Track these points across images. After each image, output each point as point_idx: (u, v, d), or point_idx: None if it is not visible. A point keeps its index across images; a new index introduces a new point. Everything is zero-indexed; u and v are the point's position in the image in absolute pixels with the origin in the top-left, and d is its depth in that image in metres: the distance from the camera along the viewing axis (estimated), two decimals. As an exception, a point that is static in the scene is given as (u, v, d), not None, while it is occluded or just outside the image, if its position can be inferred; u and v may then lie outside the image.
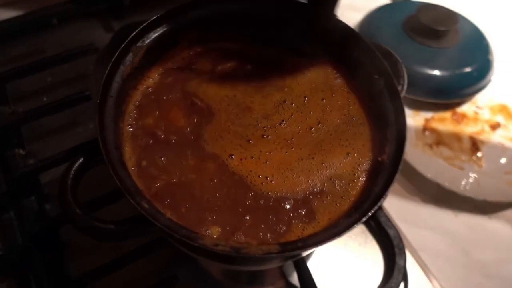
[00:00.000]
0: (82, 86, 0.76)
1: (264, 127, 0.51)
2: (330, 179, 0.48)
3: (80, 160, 0.45)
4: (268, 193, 0.46)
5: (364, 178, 0.48)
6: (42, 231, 0.63)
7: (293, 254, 0.44)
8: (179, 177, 0.46)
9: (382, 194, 0.42)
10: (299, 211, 0.46)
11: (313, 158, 0.48)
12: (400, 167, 0.43)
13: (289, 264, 0.65)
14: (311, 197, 0.47)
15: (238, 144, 0.49)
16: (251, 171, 0.47)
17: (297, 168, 0.48)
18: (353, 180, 0.48)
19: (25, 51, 0.83)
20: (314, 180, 0.47)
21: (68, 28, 0.86)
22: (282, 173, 0.47)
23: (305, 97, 0.54)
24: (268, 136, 0.50)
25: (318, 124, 0.52)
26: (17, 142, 0.71)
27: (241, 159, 0.48)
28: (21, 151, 0.71)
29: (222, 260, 0.48)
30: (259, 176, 0.47)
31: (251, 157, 0.48)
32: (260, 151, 0.48)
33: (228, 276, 0.66)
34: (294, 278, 0.65)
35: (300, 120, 0.52)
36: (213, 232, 0.44)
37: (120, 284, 0.61)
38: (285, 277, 0.65)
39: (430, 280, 0.67)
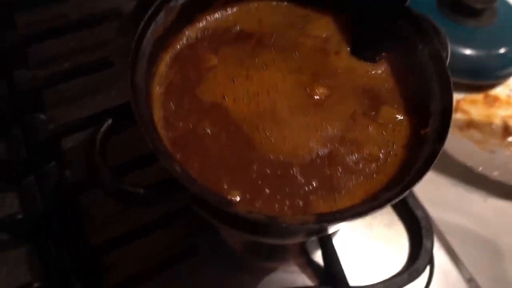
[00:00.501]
0: (104, 53, 0.74)
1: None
2: (363, 153, 0.45)
3: (109, 122, 0.43)
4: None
5: (403, 152, 0.45)
6: (62, 197, 0.62)
7: (328, 225, 0.42)
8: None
9: (425, 168, 0.40)
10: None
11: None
12: (446, 142, 0.41)
13: (312, 241, 0.63)
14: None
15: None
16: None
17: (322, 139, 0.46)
18: (390, 154, 0.45)
19: (48, 15, 0.81)
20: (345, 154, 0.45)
21: (92, -8, 0.84)
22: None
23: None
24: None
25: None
26: (39, 107, 0.70)
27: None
28: (42, 116, 0.70)
29: (249, 230, 0.47)
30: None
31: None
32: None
33: (248, 249, 0.65)
34: (317, 255, 0.63)
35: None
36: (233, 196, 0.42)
37: (140, 253, 0.60)
38: (307, 254, 0.64)
39: (457, 264, 0.66)
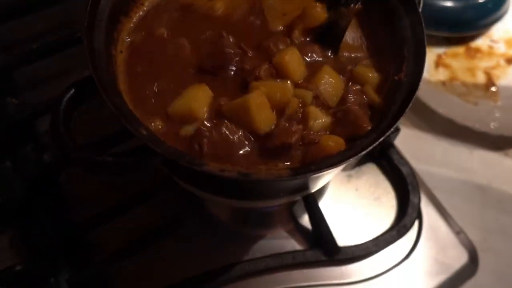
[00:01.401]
0: (73, 30, 0.72)
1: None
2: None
3: (71, 91, 0.41)
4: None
5: (380, 97, 0.44)
6: (40, 178, 0.60)
7: (305, 180, 0.41)
8: None
9: (399, 113, 0.38)
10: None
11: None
12: (419, 85, 0.40)
13: (299, 206, 0.62)
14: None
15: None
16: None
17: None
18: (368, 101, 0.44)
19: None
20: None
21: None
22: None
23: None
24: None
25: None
26: (9, 90, 0.68)
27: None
28: (14, 100, 0.68)
29: (227, 193, 0.45)
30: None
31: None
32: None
33: (236, 219, 0.64)
34: (305, 220, 0.62)
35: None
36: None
37: (125, 229, 0.59)
38: (295, 219, 0.63)
39: (446, 218, 0.65)
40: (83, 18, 0.42)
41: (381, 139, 0.36)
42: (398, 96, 0.40)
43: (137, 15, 0.49)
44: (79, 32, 0.68)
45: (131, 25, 0.47)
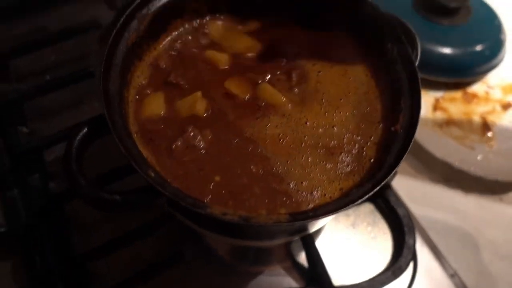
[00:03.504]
0: (85, 64, 0.75)
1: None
2: (341, 151, 0.46)
3: (85, 130, 0.44)
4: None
5: (377, 150, 0.46)
6: (46, 207, 0.62)
7: (303, 224, 0.42)
8: None
9: (395, 164, 0.40)
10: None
11: (321, 129, 0.47)
12: (414, 136, 0.42)
13: (297, 243, 0.64)
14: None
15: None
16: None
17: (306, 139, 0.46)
18: (365, 152, 0.46)
19: (28, 28, 0.82)
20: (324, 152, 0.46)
21: (71, 5, 0.84)
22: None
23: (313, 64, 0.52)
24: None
25: (323, 94, 0.50)
26: (20, 119, 0.70)
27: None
28: (24, 129, 0.70)
29: (228, 233, 0.47)
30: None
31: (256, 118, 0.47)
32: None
33: (234, 254, 0.65)
34: (302, 257, 0.64)
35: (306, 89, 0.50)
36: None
37: (126, 261, 0.60)
38: (292, 256, 0.64)
39: (440, 260, 0.66)
40: (98, 65, 0.44)
41: (376, 189, 0.38)
42: (394, 147, 0.42)
43: (151, 58, 0.51)
44: (91, 67, 0.71)
45: (144, 68, 0.50)
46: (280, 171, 0.45)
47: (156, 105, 0.48)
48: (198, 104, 0.47)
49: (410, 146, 0.41)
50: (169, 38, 0.53)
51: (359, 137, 0.47)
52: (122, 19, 0.46)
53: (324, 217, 0.38)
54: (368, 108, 0.49)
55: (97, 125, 0.45)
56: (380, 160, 0.43)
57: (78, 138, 0.43)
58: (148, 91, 0.49)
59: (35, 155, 0.66)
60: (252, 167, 0.44)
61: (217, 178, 0.44)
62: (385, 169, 0.41)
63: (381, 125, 0.47)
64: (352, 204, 0.39)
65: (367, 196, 0.38)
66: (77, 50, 0.80)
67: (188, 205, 0.37)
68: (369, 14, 0.50)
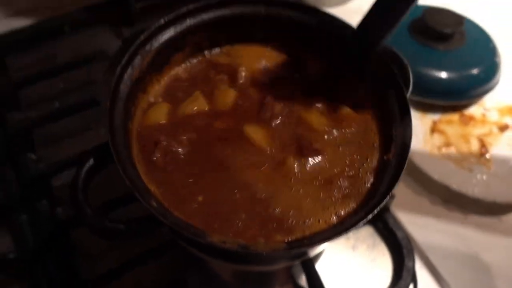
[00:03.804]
0: (93, 92, 0.78)
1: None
2: (336, 180, 0.48)
3: (91, 161, 0.46)
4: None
5: (371, 178, 0.48)
6: (53, 233, 0.64)
7: (300, 251, 0.44)
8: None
9: (387, 192, 0.42)
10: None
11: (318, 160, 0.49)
12: (406, 165, 0.44)
13: (298, 266, 0.65)
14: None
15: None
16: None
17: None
18: (359, 180, 0.48)
19: (38, 58, 0.85)
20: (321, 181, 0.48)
21: (79, 35, 0.88)
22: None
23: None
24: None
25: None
26: (29, 147, 0.73)
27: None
28: (33, 156, 0.73)
29: (230, 259, 0.49)
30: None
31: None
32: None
33: (237, 278, 0.67)
34: (302, 280, 0.65)
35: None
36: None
37: (130, 286, 0.62)
38: (293, 279, 0.65)
39: (439, 282, 0.67)
40: (105, 96, 0.46)
41: (369, 216, 0.40)
42: (386, 175, 0.44)
43: (154, 90, 0.54)
44: (98, 95, 0.74)
45: (148, 101, 0.52)
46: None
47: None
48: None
49: (401, 175, 0.43)
50: (172, 71, 0.55)
51: (354, 166, 0.48)
52: (126, 56, 0.48)
53: (319, 245, 0.39)
54: (362, 138, 0.51)
55: (102, 155, 0.47)
56: (374, 186, 0.45)
57: (84, 170, 0.45)
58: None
59: (43, 182, 0.68)
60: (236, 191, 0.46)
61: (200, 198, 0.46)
62: (378, 197, 0.42)
63: (374, 153, 0.49)
64: (346, 232, 0.40)
65: (361, 224, 0.40)
66: (85, 78, 0.83)
67: (189, 234, 0.39)
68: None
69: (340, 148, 0.50)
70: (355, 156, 0.49)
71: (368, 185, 0.47)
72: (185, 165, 0.47)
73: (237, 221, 0.44)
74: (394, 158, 0.45)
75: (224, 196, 0.46)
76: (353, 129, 0.51)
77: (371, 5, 0.48)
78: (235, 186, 0.46)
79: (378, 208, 0.41)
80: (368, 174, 0.48)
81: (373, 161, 0.49)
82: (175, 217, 0.41)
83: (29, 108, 0.78)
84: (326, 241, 0.40)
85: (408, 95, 0.51)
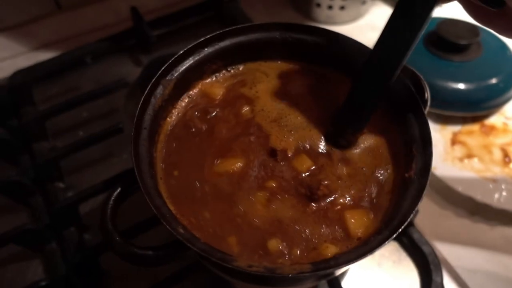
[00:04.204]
0: (115, 119, 0.80)
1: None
2: (359, 198, 0.48)
3: (118, 190, 0.47)
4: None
5: (393, 196, 0.48)
6: (83, 260, 0.65)
7: (326, 273, 0.44)
8: None
9: (411, 210, 0.42)
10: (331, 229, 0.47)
11: (339, 180, 0.50)
12: (428, 182, 0.44)
13: (324, 285, 0.65)
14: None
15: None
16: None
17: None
18: (382, 198, 0.48)
19: (63, 89, 0.89)
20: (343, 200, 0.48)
21: (100, 65, 0.91)
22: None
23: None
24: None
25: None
26: (57, 175, 0.75)
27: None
28: (61, 184, 0.75)
29: (256, 281, 0.49)
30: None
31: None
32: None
33: (262, 299, 0.67)
34: (329, 299, 0.65)
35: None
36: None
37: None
38: (320, 298, 0.65)
39: (469, 296, 0.66)
40: (129, 126, 0.48)
41: (394, 236, 0.40)
42: (408, 193, 0.44)
43: (174, 116, 0.55)
44: (120, 122, 0.76)
45: (169, 127, 0.54)
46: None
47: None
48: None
49: (423, 193, 0.43)
50: (192, 94, 0.57)
51: (372, 187, 0.49)
52: (149, 87, 0.50)
53: (345, 266, 0.40)
54: (380, 156, 0.51)
55: (128, 183, 0.49)
56: (397, 206, 0.45)
57: (112, 198, 0.46)
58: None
59: (71, 210, 0.70)
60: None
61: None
62: (400, 216, 0.42)
63: (394, 172, 0.49)
64: (371, 252, 0.41)
65: (385, 243, 0.40)
66: (107, 106, 0.86)
67: (216, 259, 0.40)
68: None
69: (359, 169, 0.51)
70: (375, 174, 0.50)
71: (389, 205, 0.48)
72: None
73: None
74: (416, 176, 0.46)
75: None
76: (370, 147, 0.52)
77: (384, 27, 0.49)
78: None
79: (402, 227, 0.41)
80: (387, 193, 0.48)
81: (392, 181, 0.49)
82: (202, 242, 0.42)
83: (56, 138, 0.81)
84: (352, 262, 0.40)
85: (427, 109, 0.51)
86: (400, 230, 0.40)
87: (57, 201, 0.70)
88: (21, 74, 0.86)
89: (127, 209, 0.63)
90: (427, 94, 0.53)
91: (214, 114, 0.55)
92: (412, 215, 0.42)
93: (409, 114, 0.50)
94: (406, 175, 0.46)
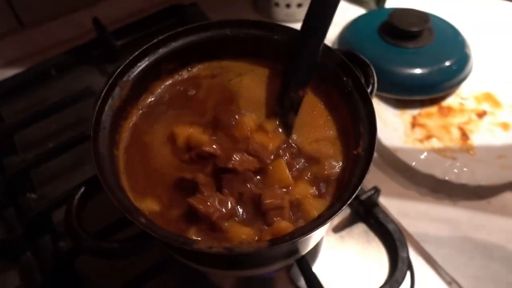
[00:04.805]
0: (84, 128, 0.81)
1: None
2: (313, 179, 0.51)
3: (82, 189, 0.49)
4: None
5: (344, 173, 0.51)
6: (58, 266, 0.66)
7: (285, 248, 0.46)
8: None
9: (359, 183, 0.45)
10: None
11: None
12: (373, 155, 0.46)
13: (296, 270, 0.67)
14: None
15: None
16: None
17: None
18: (334, 176, 0.51)
19: (30, 103, 0.90)
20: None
21: (66, 76, 0.93)
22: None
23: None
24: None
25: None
26: (29, 187, 0.76)
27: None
28: (33, 195, 0.76)
29: (223, 266, 0.51)
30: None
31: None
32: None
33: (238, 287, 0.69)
34: (302, 283, 0.67)
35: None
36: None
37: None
38: (294, 283, 0.68)
39: (436, 269, 0.69)
40: (89, 127, 0.50)
41: (343, 208, 0.43)
42: (357, 168, 0.47)
43: (135, 117, 0.57)
44: (88, 130, 0.77)
45: (130, 126, 0.56)
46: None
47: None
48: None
49: (370, 165, 0.45)
50: (150, 97, 0.59)
51: (326, 164, 0.52)
52: (105, 88, 0.52)
53: (299, 239, 0.42)
54: (330, 136, 0.54)
55: (93, 183, 0.50)
56: (347, 181, 0.48)
57: (77, 197, 0.48)
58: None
59: (44, 218, 0.71)
60: None
61: None
62: (351, 189, 0.45)
63: (344, 150, 0.52)
64: (324, 223, 0.43)
65: (335, 216, 0.43)
66: (75, 116, 0.87)
67: (178, 244, 0.42)
68: (322, 54, 0.55)
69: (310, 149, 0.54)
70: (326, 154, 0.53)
71: (340, 181, 0.50)
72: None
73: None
74: (363, 152, 0.48)
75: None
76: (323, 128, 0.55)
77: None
78: None
79: (352, 198, 0.43)
80: (339, 169, 0.51)
81: (343, 158, 0.52)
82: (164, 230, 0.43)
83: (25, 150, 0.82)
84: (306, 235, 0.42)
85: (375, 91, 0.54)
86: (349, 201, 0.43)
87: (29, 211, 0.71)
88: (-14, 92, 0.87)
89: (98, 212, 0.65)
90: (374, 79, 0.56)
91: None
92: (360, 187, 0.44)
93: (355, 96, 0.52)
94: (355, 152, 0.49)
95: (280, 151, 0.53)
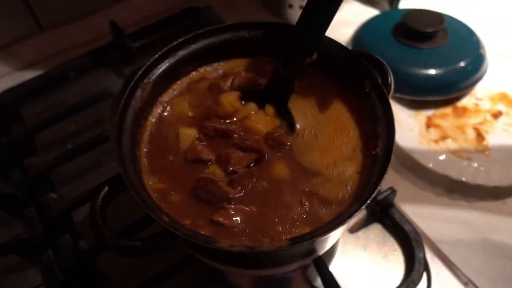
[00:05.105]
0: (102, 130, 0.83)
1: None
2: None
3: (106, 189, 0.50)
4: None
5: (362, 173, 0.51)
6: (78, 265, 0.68)
7: (305, 247, 0.47)
8: None
9: (378, 182, 0.45)
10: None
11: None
12: (392, 155, 0.47)
13: (313, 270, 0.68)
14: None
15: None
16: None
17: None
18: (353, 176, 0.51)
19: (49, 105, 0.92)
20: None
21: (84, 79, 0.94)
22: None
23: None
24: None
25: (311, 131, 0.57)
26: (49, 187, 0.78)
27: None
28: (53, 195, 0.77)
29: (243, 265, 0.52)
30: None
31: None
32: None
33: (256, 287, 0.70)
34: (318, 283, 0.67)
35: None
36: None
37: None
38: (310, 282, 0.68)
39: (453, 270, 0.69)
40: (111, 130, 0.51)
41: (362, 207, 0.43)
42: (376, 168, 0.48)
43: (155, 117, 0.58)
44: (106, 132, 0.79)
45: (151, 127, 0.57)
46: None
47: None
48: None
49: (389, 165, 0.46)
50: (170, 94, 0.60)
51: (344, 165, 0.52)
52: (127, 90, 0.53)
53: (320, 237, 0.43)
54: (349, 137, 0.54)
55: (116, 182, 0.51)
56: (366, 182, 0.48)
57: (100, 196, 0.49)
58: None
59: (65, 218, 0.72)
60: None
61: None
62: (370, 189, 0.45)
63: (362, 151, 0.53)
64: (343, 223, 0.43)
65: (355, 215, 0.43)
66: (93, 117, 0.88)
67: (200, 242, 0.43)
68: (338, 54, 0.56)
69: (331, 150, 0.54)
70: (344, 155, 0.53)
71: (360, 181, 0.51)
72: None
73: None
74: (382, 152, 0.49)
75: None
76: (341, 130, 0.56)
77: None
78: None
79: (371, 198, 0.44)
80: (358, 170, 0.52)
81: (362, 158, 0.52)
82: (185, 228, 0.44)
83: (45, 152, 0.84)
84: (326, 234, 0.43)
85: (392, 92, 0.55)
86: (368, 201, 0.43)
87: (50, 210, 0.72)
88: (7, 94, 0.89)
89: (121, 212, 0.67)
90: (391, 79, 0.56)
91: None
92: (379, 187, 0.44)
93: (373, 97, 0.53)
94: (373, 152, 0.50)
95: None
